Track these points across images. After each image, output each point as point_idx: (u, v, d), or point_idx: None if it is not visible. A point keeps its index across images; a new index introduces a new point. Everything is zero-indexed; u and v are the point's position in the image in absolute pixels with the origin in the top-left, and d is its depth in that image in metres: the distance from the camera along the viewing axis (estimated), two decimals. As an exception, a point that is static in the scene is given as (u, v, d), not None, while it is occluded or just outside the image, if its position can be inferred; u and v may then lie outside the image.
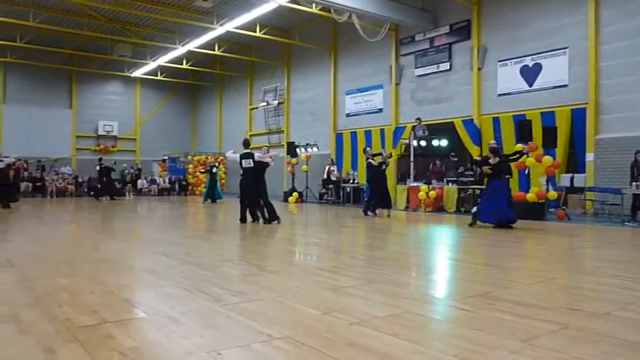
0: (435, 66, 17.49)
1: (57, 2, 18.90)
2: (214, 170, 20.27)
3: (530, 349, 2.81)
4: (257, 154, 10.66)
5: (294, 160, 19.40)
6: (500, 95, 15.63)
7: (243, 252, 7.29)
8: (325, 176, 19.29)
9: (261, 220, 10.53)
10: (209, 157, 26.16)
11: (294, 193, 18.85)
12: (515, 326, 3.26)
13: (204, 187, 20.85)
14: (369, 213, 12.94)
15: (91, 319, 3.37)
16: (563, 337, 3.06)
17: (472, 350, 2.79)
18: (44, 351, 2.76)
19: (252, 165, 10.49)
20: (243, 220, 10.66)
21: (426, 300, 4.19)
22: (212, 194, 19.46)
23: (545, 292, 4.36)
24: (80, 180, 24.31)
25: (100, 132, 27.65)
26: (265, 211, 10.50)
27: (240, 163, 10.62)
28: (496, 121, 15.53)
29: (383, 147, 18.85)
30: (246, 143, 11.04)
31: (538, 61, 14.70)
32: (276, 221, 10.45)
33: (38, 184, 22.89)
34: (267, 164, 10.81)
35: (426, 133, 16.16)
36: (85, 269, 5.38)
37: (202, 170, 22.41)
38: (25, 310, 3.61)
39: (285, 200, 18.98)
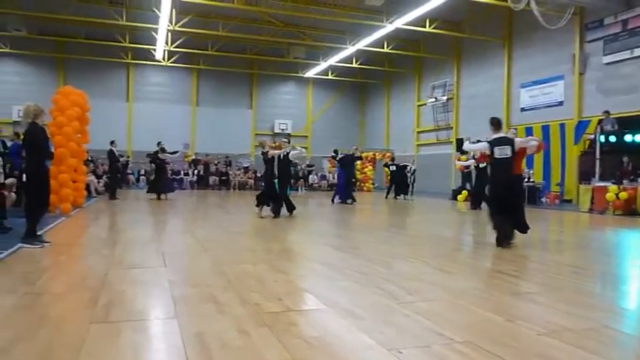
0: (629, 51, 15.53)
1: (241, 12, 20.62)
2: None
3: None
4: (517, 139, 7.49)
5: (463, 157, 18.70)
6: None
7: (412, 249, 7.22)
8: (497, 174, 18.16)
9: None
10: (377, 154, 26.45)
11: (464, 192, 18.19)
12: None
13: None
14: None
15: (276, 306, 3.59)
16: None
17: (692, 379, 2.40)
18: (239, 332, 3.01)
19: (509, 155, 7.10)
20: (508, 237, 7.06)
21: (624, 314, 3.73)
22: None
23: None
24: (258, 175, 26.37)
25: (276, 130, 29.57)
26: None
27: (493, 152, 7.18)
28: None
29: (563, 141, 17.39)
30: (499, 124, 7.46)
31: None
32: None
33: (224, 177, 25.39)
34: None
35: (616, 127, 14.49)
36: (266, 258, 5.78)
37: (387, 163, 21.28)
38: (220, 292, 3.98)
39: (454, 199, 18.46)
